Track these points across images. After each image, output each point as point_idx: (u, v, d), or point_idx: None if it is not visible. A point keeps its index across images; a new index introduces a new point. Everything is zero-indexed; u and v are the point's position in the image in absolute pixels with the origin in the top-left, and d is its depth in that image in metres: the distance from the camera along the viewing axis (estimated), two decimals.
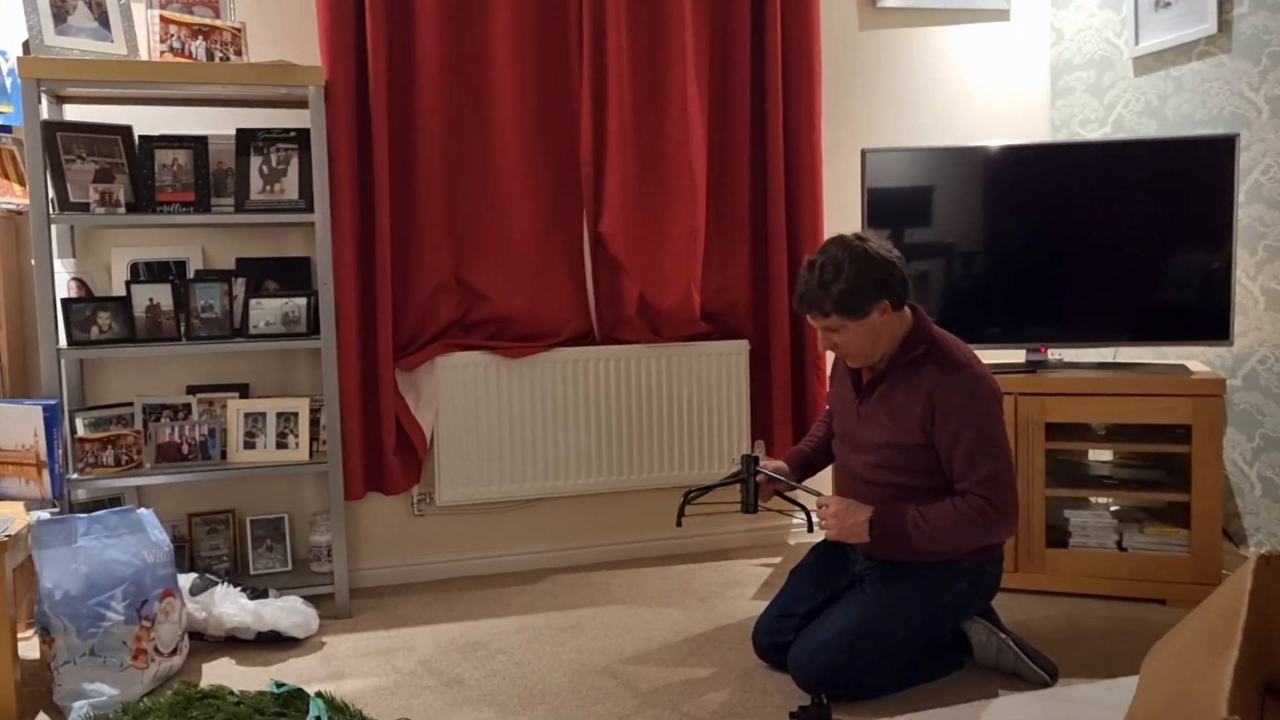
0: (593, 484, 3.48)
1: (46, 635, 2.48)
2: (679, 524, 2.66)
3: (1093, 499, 3.20)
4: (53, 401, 2.77)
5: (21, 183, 3.03)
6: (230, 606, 2.85)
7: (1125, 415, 3.00)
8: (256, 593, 2.95)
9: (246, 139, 3.05)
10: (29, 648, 2.78)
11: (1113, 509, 3.22)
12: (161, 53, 2.94)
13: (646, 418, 3.51)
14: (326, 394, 3.05)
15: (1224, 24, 3.24)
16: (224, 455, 3.08)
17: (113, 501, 3.10)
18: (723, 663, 2.69)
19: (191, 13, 3.02)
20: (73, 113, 3.11)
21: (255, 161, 3.06)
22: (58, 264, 2.94)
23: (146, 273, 3.16)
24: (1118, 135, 3.70)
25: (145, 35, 3.00)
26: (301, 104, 3.10)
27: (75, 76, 2.83)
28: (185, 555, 3.17)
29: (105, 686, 2.45)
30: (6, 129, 3.03)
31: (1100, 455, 3.40)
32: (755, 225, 3.62)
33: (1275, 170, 3.09)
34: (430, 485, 3.41)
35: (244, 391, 3.24)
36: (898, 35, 3.84)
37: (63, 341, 2.89)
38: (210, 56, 3.00)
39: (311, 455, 3.09)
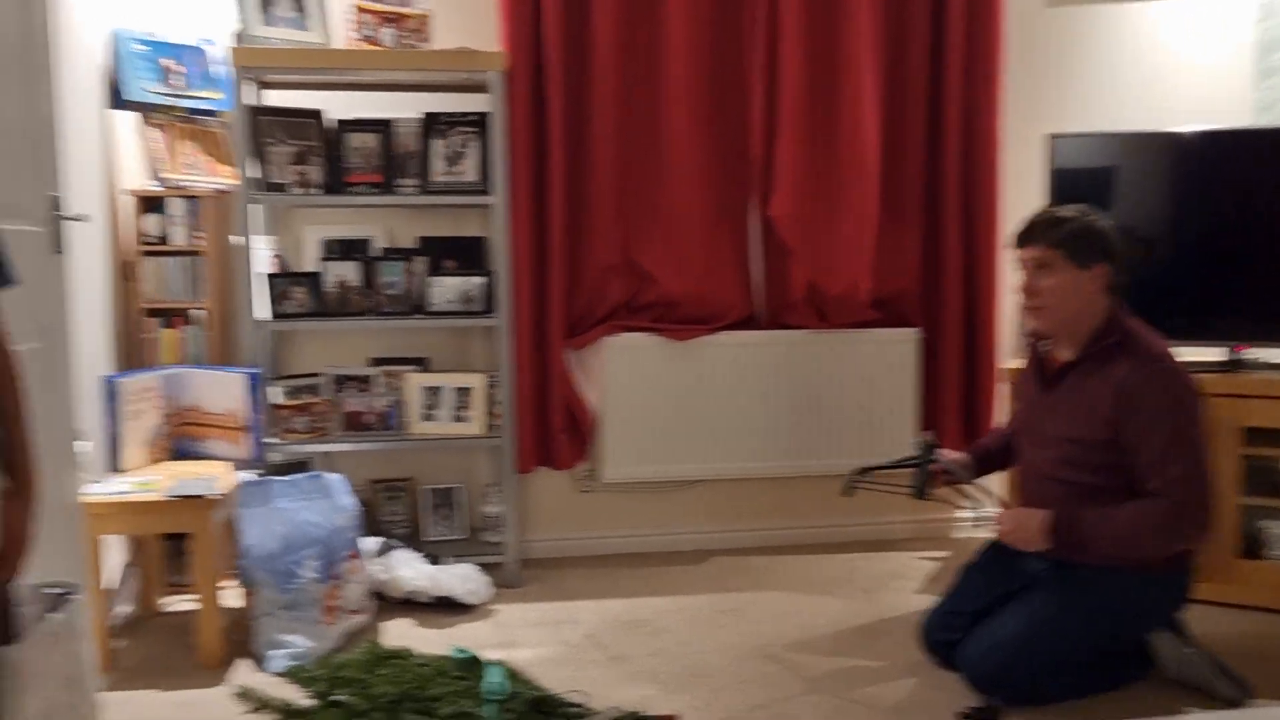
0: (755, 468, 3.49)
1: (248, 588, 2.67)
2: (850, 494, 2.62)
3: None
4: (254, 370, 2.96)
5: (228, 164, 3.23)
6: (409, 570, 2.99)
7: None
8: (433, 559, 3.09)
9: (431, 122, 3.17)
10: (233, 597, 2.99)
11: None
12: (354, 40, 3.08)
13: (811, 404, 3.49)
14: (501, 370, 3.16)
15: None
16: (404, 426, 3.22)
17: (302, 465, 3.28)
18: (887, 656, 2.66)
19: (382, 1, 3.14)
20: (272, 98, 3.29)
21: (438, 144, 3.17)
22: (258, 241, 3.12)
23: (336, 250, 3.32)
24: None
25: (339, 23, 3.14)
26: (482, 88, 3.19)
27: (279, 64, 3.00)
28: (367, 520, 3.34)
29: (299, 639, 2.62)
30: (215, 114, 3.24)
31: None
32: (928, 211, 3.53)
33: None
34: (596, 462, 3.48)
35: (423, 365, 3.38)
36: (1087, 12, 3.65)
37: (263, 313, 3.08)
38: (398, 43, 3.12)
39: (486, 429, 3.21)
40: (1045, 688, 2.34)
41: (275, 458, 3.12)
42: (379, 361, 3.36)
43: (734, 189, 3.45)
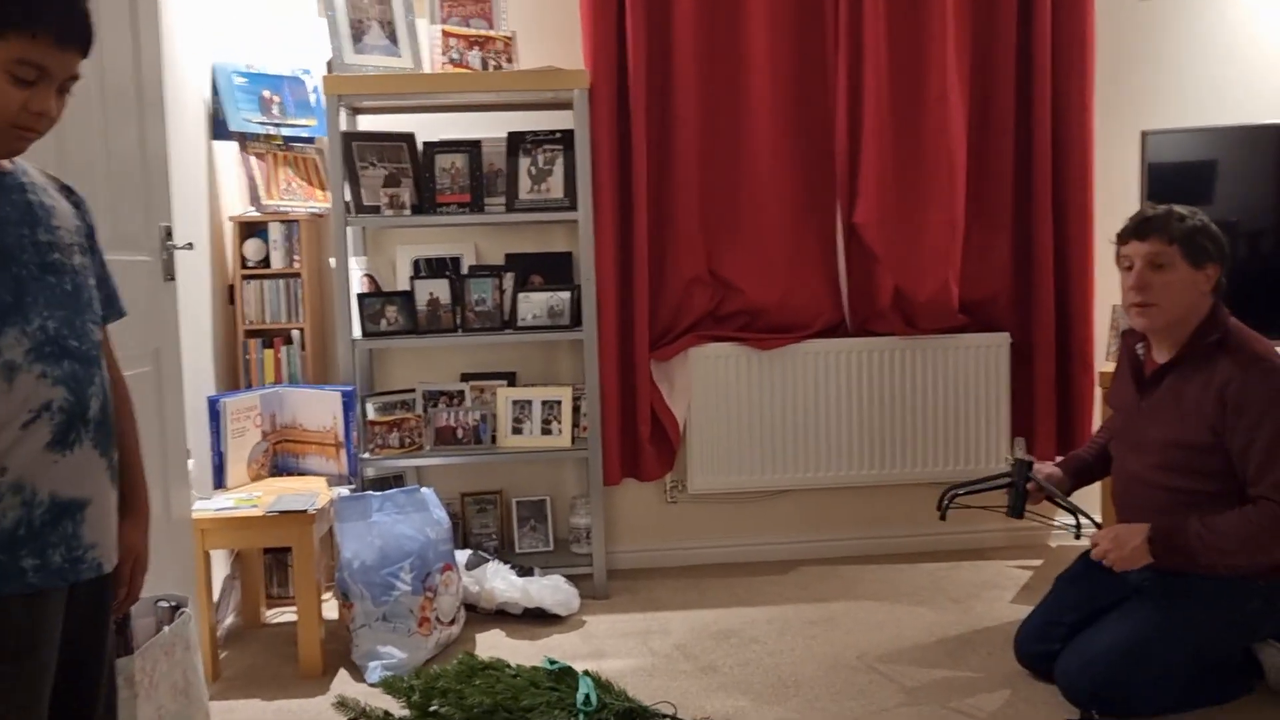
0: (843, 477, 3.46)
1: (345, 600, 2.75)
2: (942, 518, 2.60)
3: None
4: (349, 388, 3.06)
5: (323, 188, 3.34)
6: (501, 582, 3.04)
7: None
8: (523, 570, 3.14)
9: (516, 141, 3.23)
10: (329, 609, 3.08)
11: None
12: (442, 64, 3.16)
13: (900, 412, 3.45)
14: (588, 384, 3.20)
15: None
16: (494, 439, 3.29)
17: (396, 480, 3.38)
18: (982, 667, 2.61)
19: (468, 25, 3.22)
20: (365, 123, 3.39)
21: (524, 162, 3.23)
22: (352, 262, 3.22)
23: (426, 268, 3.41)
24: None
25: (428, 49, 3.23)
26: (566, 106, 3.24)
27: (371, 90, 3.09)
28: (458, 532, 3.42)
29: (395, 650, 2.69)
30: (310, 140, 3.36)
31: None
32: (1018, 212, 3.46)
33: None
34: (683, 473, 3.50)
35: (511, 379, 3.44)
36: (1183, 3, 3.54)
37: (357, 332, 3.18)
38: (485, 65, 3.19)
39: (573, 441, 3.25)
40: (1145, 702, 2.27)
41: (370, 473, 3.22)
42: (469, 377, 3.44)
43: (818, 196, 3.43)
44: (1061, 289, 3.45)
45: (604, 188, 3.25)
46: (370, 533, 2.77)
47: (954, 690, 2.49)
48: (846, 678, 2.58)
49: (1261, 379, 2.21)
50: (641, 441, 3.38)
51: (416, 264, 3.42)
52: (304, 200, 3.29)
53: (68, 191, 1.48)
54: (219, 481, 2.94)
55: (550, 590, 3.05)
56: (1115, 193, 3.53)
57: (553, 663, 2.47)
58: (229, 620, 3.05)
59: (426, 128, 3.34)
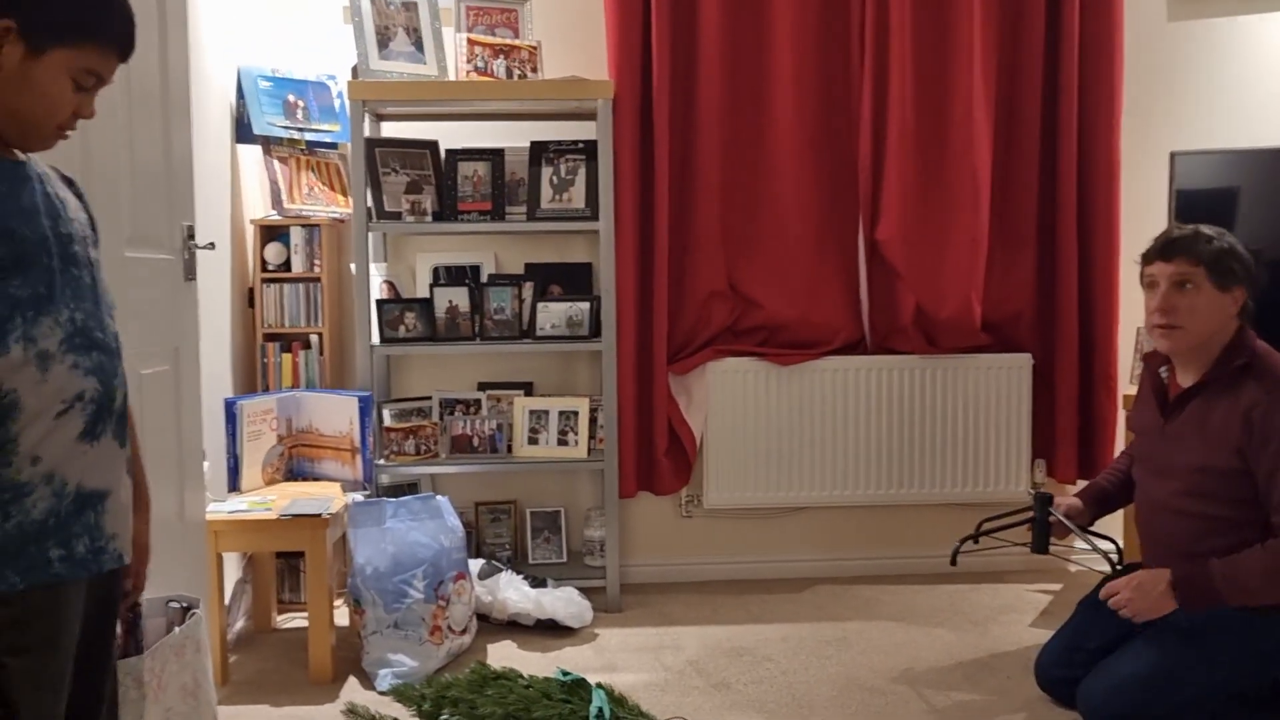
0: (861, 495, 3.42)
1: (357, 606, 2.73)
2: (954, 563, 2.58)
3: None
4: (366, 394, 3.04)
5: (345, 194, 3.34)
6: (514, 593, 3.02)
7: None
8: (536, 581, 3.11)
9: (539, 151, 3.22)
10: (340, 615, 3.06)
11: None
12: (467, 72, 3.16)
13: (919, 431, 3.41)
14: (605, 395, 3.18)
15: None
16: (509, 449, 3.27)
17: (411, 487, 3.36)
18: (1001, 691, 2.57)
19: (494, 34, 3.22)
20: (388, 129, 3.40)
21: (546, 172, 3.23)
22: (372, 268, 3.22)
23: (446, 276, 3.40)
24: None
25: (453, 57, 3.23)
26: (589, 116, 3.23)
27: (395, 97, 3.10)
28: (472, 542, 3.39)
29: (406, 658, 2.66)
30: (333, 146, 3.36)
31: None
32: (1043, 232, 3.43)
33: None
34: (698, 488, 3.47)
35: (528, 389, 3.42)
36: (1212, 26, 3.51)
37: (375, 339, 3.17)
38: (509, 74, 3.19)
39: (589, 453, 3.23)
40: None
41: (385, 479, 3.20)
42: (486, 385, 3.43)
43: (840, 212, 3.41)
44: (1085, 310, 3.42)
45: (625, 199, 3.24)
46: (384, 539, 2.75)
47: (972, 714, 2.45)
48: (862, 699, 2.54)
49: None
50: (658, 455, 3.36)
51: (436, 271, 3.41)
52: (326, 205, 3.29)
53: (69, 183, 1.48)
54: (233, 484, 2.93)
55: (563, 602, 3.03)
56: (1141, 214, 3.49)
57: (565, 674, 2.44)
58: (240, 624, 3.03)
59: (449, 135, 3.34)
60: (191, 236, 2.39)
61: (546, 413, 3.26)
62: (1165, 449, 2.37)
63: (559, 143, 3.23)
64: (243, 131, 3.20)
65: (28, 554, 1.27)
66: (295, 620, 3.14)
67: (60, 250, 1.34)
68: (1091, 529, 2.61)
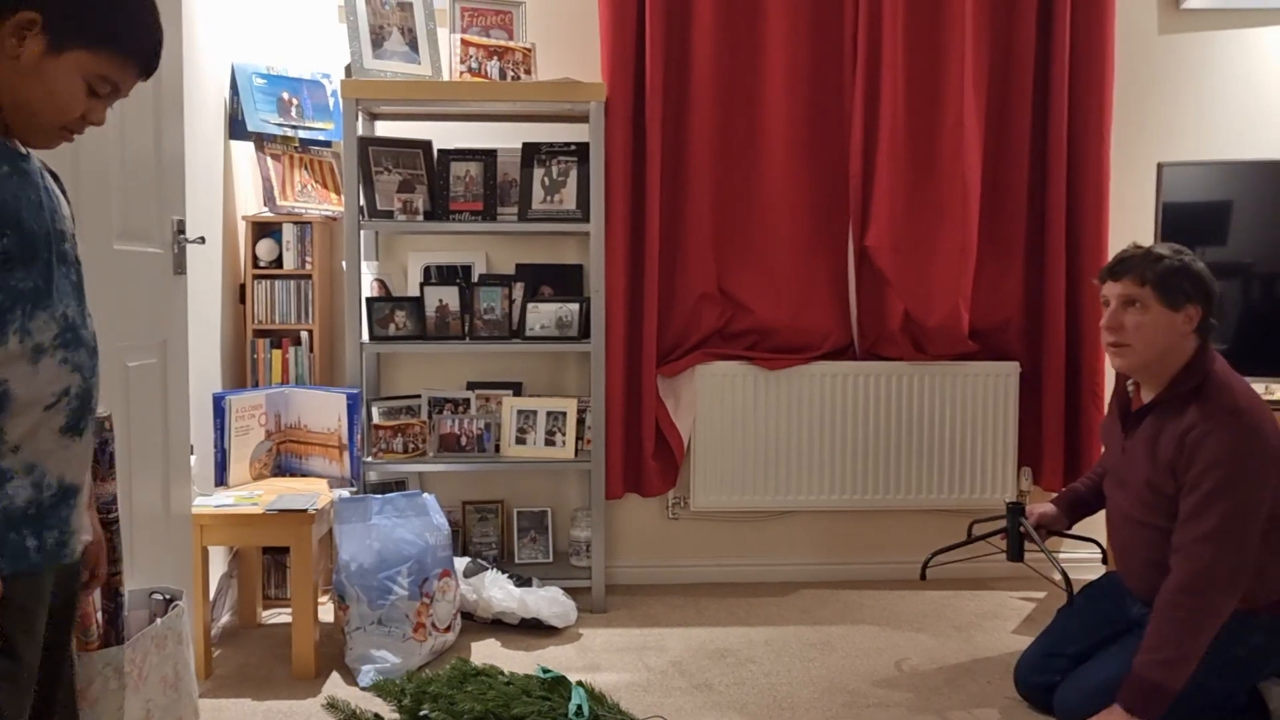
0: (847, 500, 3.44)
1: (342, 602, 2.74)
2: (923, 577, 2.64)
3: None
4: (355, 391, 3.05)
5: (337, 192, 3.35)
6: (499, 592, 3.03)
7: None
8: (521, 581, 3.12)
9: (531, 152, 3.24)
10: (325, 612, 3.07)
11: None
12: (461, 73, 3.18)
13: (906, 437, 3.43)
14: (594, 396, 3.19)
15: None
16: (497, 449, 3.28)
17: (398, 485, 3.37)
18: (981, 696, 2.58)
19: (488, 35, 3.24)
20: (381, 129, 3.41)
21: (538, 173, 3.24)
22: (363, 266, 3.23)
23: (437, 275, 3.41)
24: None
25: (447, 57, 3.25)
26: (582, 119, 3.25)
27: (389, 96, 3.11)
28: (458, 540, 3.40)
29: (389, 654, 2.67)
30: (327, 144, 3.37)
31: None
32: (1031, 241, 3.45)
33: None
34: (685, 490, 3.48)
35: (517, 389, 3.44)
36: (1203, 39, 3.54)
37: (365, 336, 3.18)
38: (503, 76, 3.21)
39: (576, 453, 3.24)
40: None
41: (372, 476, 3.21)
42: (475, 385, 3.44)
43: (830, 218, 3.43)
44: (1073, 319, 3.44)
45: (616, 201, 3.25)
46: (369, 535, 2.76)
47: (951, 717, 2.46)
48: (843, 701, 2.56)
49: (1223, 432, 2.17)
50: (645, 457, 3.37)
51: (427, 270, 3.42)
52: (318, 203, 3.31)
53: (55, 178, 1.49)
54: (220, 478, 2.94)
55: (548, 602, 3.03)
56: (1130, 224, 3.52)
57: (546, 672, 2.45)
58: (224, 619, 3.04)
59: (442, 135, 3.35)
60: (182, 231, 2.40)
61: (535, 413, 3.28)
62: (1124, 461, 2.41)
63: (551, 144, 3.24)
64: (236, 128, 3.21)
65: (10, 541, 1.28)
66: (280, 615, 3.14)
67: (56, 247, 1.35)
68: (1071, 532, 2.68)
